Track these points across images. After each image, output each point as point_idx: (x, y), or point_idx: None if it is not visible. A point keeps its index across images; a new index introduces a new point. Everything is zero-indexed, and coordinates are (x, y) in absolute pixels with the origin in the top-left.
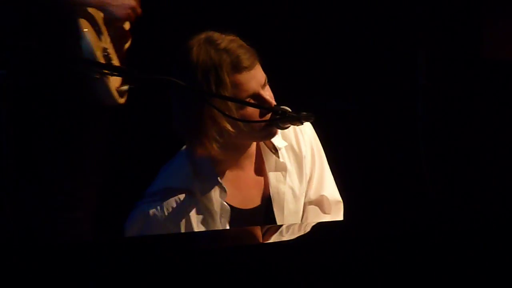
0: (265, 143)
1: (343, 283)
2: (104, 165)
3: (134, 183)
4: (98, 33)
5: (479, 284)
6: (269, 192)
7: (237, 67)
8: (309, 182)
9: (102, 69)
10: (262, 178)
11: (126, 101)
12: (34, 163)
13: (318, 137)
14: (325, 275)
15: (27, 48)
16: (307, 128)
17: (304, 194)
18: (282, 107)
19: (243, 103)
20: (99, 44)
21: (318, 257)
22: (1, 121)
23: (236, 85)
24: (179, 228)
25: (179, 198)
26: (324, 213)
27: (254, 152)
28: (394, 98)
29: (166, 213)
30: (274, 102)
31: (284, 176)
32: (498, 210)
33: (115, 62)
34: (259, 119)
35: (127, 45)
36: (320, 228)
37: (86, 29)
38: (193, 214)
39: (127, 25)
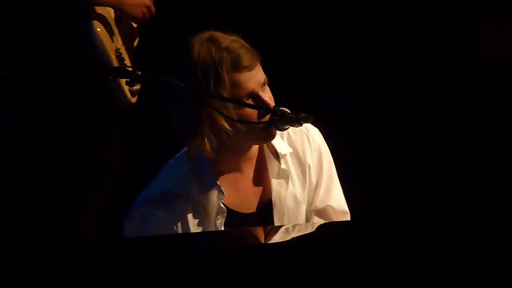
0: (268, 149)
1: (344, 283)
2: (113, 166)
3: (135, 184)
4: (111, 33)
5: (479, 284)
6: (270, 198)
7: (237, 66)
8: (315, 190)
9: (98, 69)
10: (263, 183)
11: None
12: (42, 161)
13: None
14: (326, 276)
15: (28, 49)
16: (317, 136)
17: (306, 201)
18: (281, 108)
19: (241, 104)
20: (111, 45)
21: (318, 258)
22: (1, 121)
23: (235, 84)
24: (177, 229)
25: (177, 199)
26: None
27: (255, 156)
28: (394, 99)
29: (164, 214)
30: (272, 104)
31: (287, 183)
32: (498, 210)
33: (127, 62)
34: (257, 120)
35: (135, 43)
36: (321, 229)
37: (99, 29)
38: (190, 215)
39: (135, 24)
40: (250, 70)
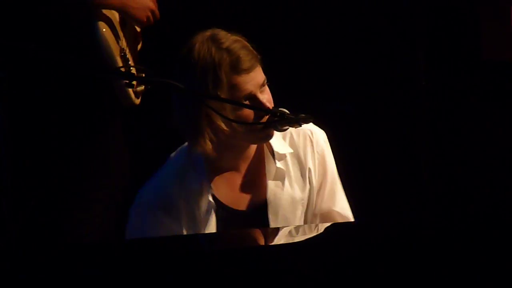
0: (267, 148)
1: (344, 284)
2: (117, 167)
3: (136, 184)
4: (116, 35)
5: (479, 285)
6: (265, 197)
7: (236, 68)
8: (318, 194)
9: (99, 72)
10: (259, 182)
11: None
12: (43, 162)
13: None
14: (327, 277)
15: (28, 51)
16: (321, 140)
17: (304, 203)
18: (280, 109)
19: (240, 105)
20: (116, 46)
21: (320, 260)
22: (2, 122)
23: (233, 86)
24: (171, 222)
25: (172, 193)
26: None
27: (253, 154)
28: (394, 99)
29: (160, 212)
30: (270, 105)
31: (283, 183)
32: (498, 211)
33: (131, 63)
34: (255, 121)
35: (139, 47)
36: (322, 230)
37: (105, 29)
38: (183, 208)
39: (138, 28)
40: (249, 72)
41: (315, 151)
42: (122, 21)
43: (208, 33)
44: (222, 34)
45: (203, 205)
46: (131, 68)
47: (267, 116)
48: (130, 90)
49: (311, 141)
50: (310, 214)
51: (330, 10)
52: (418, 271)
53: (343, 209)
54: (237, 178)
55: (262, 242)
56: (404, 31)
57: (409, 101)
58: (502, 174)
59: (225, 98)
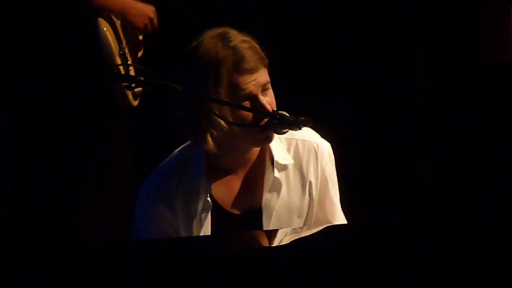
0: (268, 156)
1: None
2: (119, 168)
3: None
4: (116, 34)
5: (479, 285)
6: (261, 205)
7: (238, 67)
8: (318, 206)
9: (103, 76)
10: (256, 189)
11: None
12: (44, 164)
13: None
14: (327, 278)
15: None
16: (326, 154)
17: (303, 215)
18: (280, 112)
19: (238, 108)
20: (116, 45)
21: (318, 261)
22: (2, 124)
23: (234, 85)
24: (174, 218)
25: (170, 188)
26: None
27: (253, 160)
28: (393, 101)
29: (161, 203)
30: (271, 108)
31: (279, 193)
32: (497, 212)
33: (131, 62)
34: (254, 122)
35: (140, 54)
36: (320, 231)
37: (105, 28)
38: (180, 206)
39: (140, 36)
40: (251, 73)
41: (319, 165)
42: (123, 24)
43: (219, 30)
44: (232, 32)
45: (200, 204)
46: (130, 68)
47: (267, 119)
48: (128, 92)
49: (316, 154)
50: (311, 226)
51: (329, 12)
52: (417, 272)
53: (343, 222)
54: (235, 182)
55: (258, 244)
56: (403, 33)
57: (409, 103)
58: (502, 175)
59: (224, 96)
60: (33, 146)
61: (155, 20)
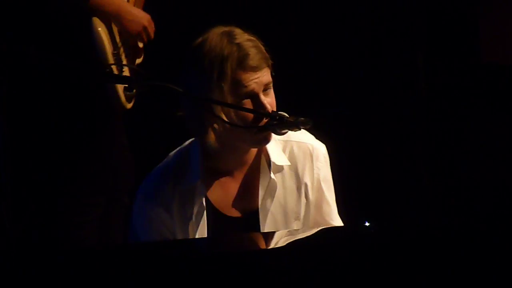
0: (264, 158)
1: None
2: (119, 171)
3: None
4: (111, 34)
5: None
6: (257, 207)
7: (242, 64)
8: (315, 209)
9: (102, 77)
10: (253, 192)
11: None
12: (42, 166)
13: None
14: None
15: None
16: (321, 156)
17: (299, 217)
18: (279, 112)
19: (239, 109)
20: (110, 44)
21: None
22: (1, 125)
23: (237, 82)
24: (171, 220)
25: (167, 189)
26: None
27: (250, 163)
28: (393, 102)
29: (158, 205)
30: (271, 108)
31: (273, 195)
32: (497, 213)
33: (125, 62)
34: (253, 121)
35: (139, 60)
36: (319, 233)
37: (100, 27)
38: (176, 209)
39: (141, 44)
40: (255, 71)
41: (314, 167)
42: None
43: (226, 28)
44: (238, 31)
45: (196, 206)
46: (124, 69)
47: (267, 119)
48: (121, 93)
49: (311, 156)
50: (307, 228)
51: (329, 13)
52: (416, 273)
53: (340, 224)
54: (232, 184)
55: (256, 246)
56: (403, 33)
57: (409, 104)
58: (502, 176)
59: (227, 92)
60: (32, 147)
61: (150, 29)
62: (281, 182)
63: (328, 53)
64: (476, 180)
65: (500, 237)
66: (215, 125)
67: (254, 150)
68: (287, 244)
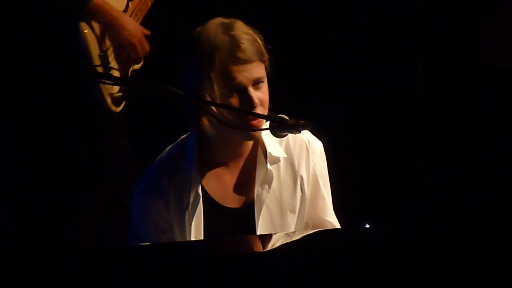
0: (261, 149)
1: None
2: (120, 172)
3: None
4: (98, 38)
5: (479, 285)
6: (253, 199)
7: (233, 56)
8: (310, 203)
9: (98, 77)
10: (249, 183)
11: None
12: (41, 168)
13: None
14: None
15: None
16: (317, 150)
17: (295, 211)
18: (279, 115)
19: (233, 110)
20: (96, 46)
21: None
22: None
23: (225, 73)
24: (168, 211)
25: (164, 181)
26: None
27: (246, 154)
28: (394, 104)
29: (156, 197)
30: (260, 104)
31: (269, 187)
32: (497, 212)
33: (113, 64)
34: (244, 117)
35: (137, 66)
36: (318, 235)
37: (86, 30)
38: (173, 199)
39: (134, 55)
40: (245, 64)
41: (310, 160)
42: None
43: (226, 20)
44: (238, 23)
45: (191, 195)
46: (110, 69)
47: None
48: (107, 96)
49: (307, 150)
50: (302, 223)
51: (329, 15)
52: (414, 274)
53: (335, 220)
54: (228, 175)
55: (253, 249)
56: (403, 35)
57: (409, 106)
58: (501, 178)
59: (216, 82)
60: (31, 148)
61: (144, 43)
62: (277, 174)
63: (328, 53)
64: (476, 181)
65: (500, 237)
66: (208, 120)
67: (250, 143)
68: (284, 246)
